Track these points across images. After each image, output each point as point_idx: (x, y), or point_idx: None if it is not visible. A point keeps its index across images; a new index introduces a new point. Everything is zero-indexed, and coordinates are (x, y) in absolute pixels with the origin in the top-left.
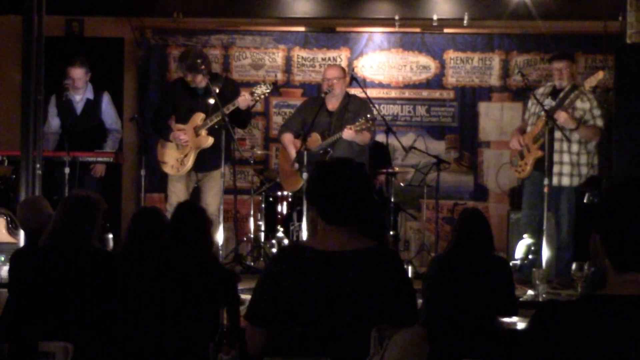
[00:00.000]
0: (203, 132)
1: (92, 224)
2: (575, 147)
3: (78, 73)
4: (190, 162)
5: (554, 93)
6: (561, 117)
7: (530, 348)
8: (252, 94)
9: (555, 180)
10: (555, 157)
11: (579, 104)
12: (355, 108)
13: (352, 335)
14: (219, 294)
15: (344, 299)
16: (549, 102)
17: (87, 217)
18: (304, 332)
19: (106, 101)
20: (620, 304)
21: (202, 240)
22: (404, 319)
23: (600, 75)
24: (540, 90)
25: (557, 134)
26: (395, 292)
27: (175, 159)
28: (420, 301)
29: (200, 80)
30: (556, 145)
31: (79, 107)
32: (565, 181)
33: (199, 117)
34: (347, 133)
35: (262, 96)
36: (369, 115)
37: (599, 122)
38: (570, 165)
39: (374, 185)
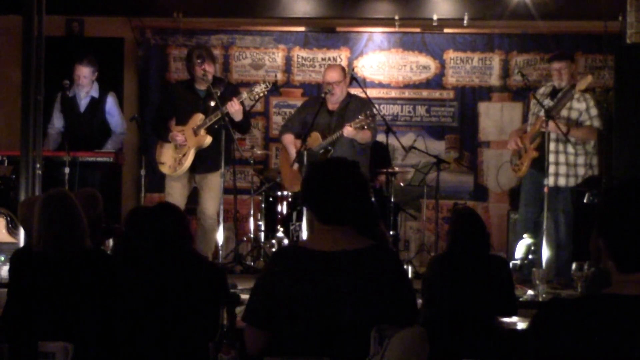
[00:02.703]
0: (202, 132)
1: (76, 222)
2: (571, 148)
3: (84, 71)
4: (188, 161)
5: (554, 93)
6: (550, 127)
7: (534, 345)
8: (250, 92)
9: (551, 181)
10: (552, 158)
11: (575, 104)
12: (356, 106)
13: (351, 336)
14: (210, 289)
15: (341, 299)
16: (547, 103)
17: (69, 217)
18: (303, 332)
19: (111, 102)
20: (624, 303)
21: (183, 237)
22: (402, 319)
23: (589, 79)
24: (541, 90)
25: (554, 135)
26: (393, 292)
27: (173, 158)
28: (419, 301)
29: (212, 72)
30: (552, 146)
31: (83, 104)
32: (562, 181)
33: (198, 117)
34: (348, 130)
35: (261, 94)
36: (368, 112)
37: (596, 122)
38: (566, 166)
39: (374, 184)
